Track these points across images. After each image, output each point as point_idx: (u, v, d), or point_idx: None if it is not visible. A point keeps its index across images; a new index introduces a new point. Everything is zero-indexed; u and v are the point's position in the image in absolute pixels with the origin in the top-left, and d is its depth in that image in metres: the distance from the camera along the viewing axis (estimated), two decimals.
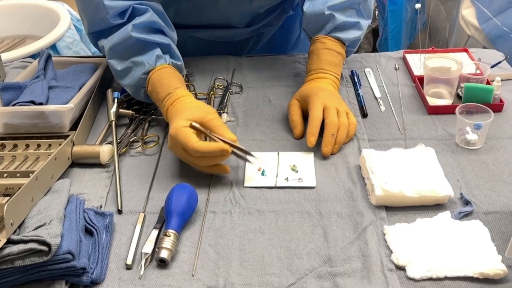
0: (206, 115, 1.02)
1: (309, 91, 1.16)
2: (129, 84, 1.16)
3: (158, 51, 1.15)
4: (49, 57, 1.28)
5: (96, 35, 1.19)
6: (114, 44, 1.14)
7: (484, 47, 1.98)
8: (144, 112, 1.22)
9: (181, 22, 1.39)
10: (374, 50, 2.96)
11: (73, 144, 1.07)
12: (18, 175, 0.99)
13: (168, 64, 1.16)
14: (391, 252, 0.86)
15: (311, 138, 1.07)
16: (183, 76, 1.20)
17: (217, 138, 0.99)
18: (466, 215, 0.93)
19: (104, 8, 1.12)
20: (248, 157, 1.01)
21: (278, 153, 1.09)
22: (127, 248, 0.89)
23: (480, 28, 2.09)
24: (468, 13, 2.19)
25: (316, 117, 1.09)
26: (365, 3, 1.26)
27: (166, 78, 1.12)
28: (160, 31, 1.18)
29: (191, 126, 1.00)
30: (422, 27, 2.80)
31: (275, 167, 1.05)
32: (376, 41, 2.92)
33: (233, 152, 1.00)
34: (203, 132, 1.00)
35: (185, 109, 1.04)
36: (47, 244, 0.78)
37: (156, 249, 0.86)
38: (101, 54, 1.27)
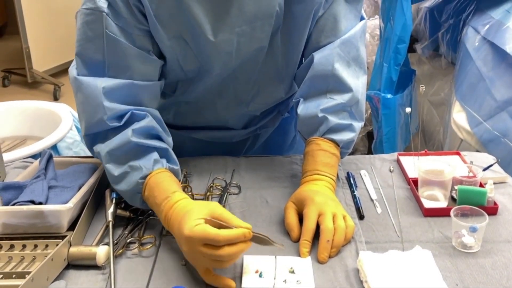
0: (214, 210, 1.02)
1: (304, 195, 1.17)
2: (125, 189, 1.15)
3: (155, 155, 1.17)
4: (50, 157, 1.30)
5: (92, 137, 1.21)
6: (113, 148, 1.15)
7: (477, 151, 2.00)
8: (141, 213, 1.22)
9: (180, 123, 1.44)
10: (370, 152, 3.00)
11: (70, 245, 1.07)
12: (13, 276, 0.98)
13: (165, 168, 1.16)
14: None
15: (304, 250, 1.08)
16: (179, 180, 1.21)
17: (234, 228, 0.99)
18: None
19: (102, 109, 1.14)
20: (269, 242, 1.01)
21: (275, 257, 1.08)
22: None
23: (472, 132, 2.12)
24: (459, 117, 2.23)
25: (309, 228, 1.10)
26: (357, 106, 1.30)
27: (164, 181, 1.13)
28: (158, 137, 1.21)
29: (206, 222, 0.98)
30: (416, 130, 2.84)
31: (272, 269, 1.04)
32: (371, 143, 2.96)
33: (252, 239, 0.99)
34: (219, 223, 0.99)
35: (191, 210, 1.03)
36: None
37: None
38: None
